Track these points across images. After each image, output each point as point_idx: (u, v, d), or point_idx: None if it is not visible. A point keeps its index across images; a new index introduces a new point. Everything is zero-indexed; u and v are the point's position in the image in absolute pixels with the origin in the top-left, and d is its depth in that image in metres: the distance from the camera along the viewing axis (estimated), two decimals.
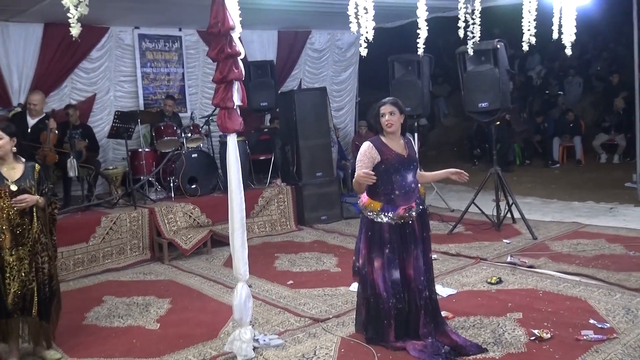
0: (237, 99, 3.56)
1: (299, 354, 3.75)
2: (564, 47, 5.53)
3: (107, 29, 7.65)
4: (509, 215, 6.87)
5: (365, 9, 3.90)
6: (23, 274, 3.67)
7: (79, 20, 2.94)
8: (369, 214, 3.76)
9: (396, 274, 3.73)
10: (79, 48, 7.40)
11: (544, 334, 3.76)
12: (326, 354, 3.73)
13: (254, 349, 3.77)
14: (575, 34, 5.53)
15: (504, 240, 6.23)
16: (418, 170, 3.97)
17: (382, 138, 3.81)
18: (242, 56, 3.55)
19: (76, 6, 2.85)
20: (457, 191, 9.65)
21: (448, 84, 15.37)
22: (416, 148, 7.58)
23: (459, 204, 8.32)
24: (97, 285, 5.63)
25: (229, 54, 3.45)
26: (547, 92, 13.55)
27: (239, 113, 3.65)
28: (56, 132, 6.44)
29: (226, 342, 3.84)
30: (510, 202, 6.68)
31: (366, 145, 3.78)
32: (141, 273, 5.99)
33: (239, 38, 3.57)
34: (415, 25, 4.69)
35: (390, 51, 8.02)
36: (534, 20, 5.31)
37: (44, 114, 6.43)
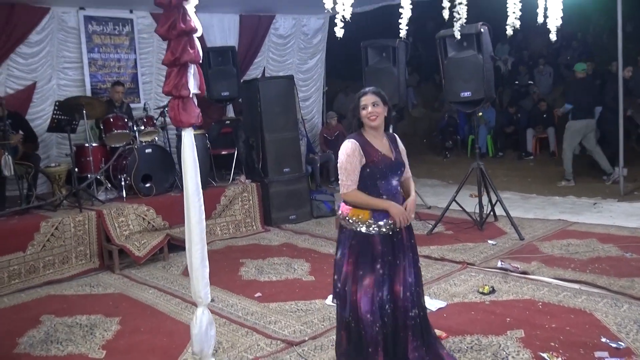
0: (193, 85, 2.91)
1: None
2: (533, 35, 5.11)
3: (48, 10, 6.87)
4: (490, 213, 6.42)
5: None
6: None
7: None
8: (355, 225, 3.15)
9: (386, 293, 3.15)
10: (15, 30, 6.64)
11: (555, 358, 3.27)
12: None
13: None
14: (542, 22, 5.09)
15: (489, 241, 5.77)
16: (407, 174, 3.38)
17: (365, 135, 3.19)
18: (198, 34, 2.90)
19: None
20: (431, 186, 9.22)
21: (417, 73, 14.95)
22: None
23: (435, 200, 7.87)
24: (36, 301, 4.91)
25: (182, 31, 2.79)
26: (516, 82, 13.26)
27: (195, 103, 2.99)
28: None
29: None
30: (494, 199, 6.22)
31: (350, 146, 3.10)
32: (88, 285, 5.29)
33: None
34: (388, 9, 4.16)
35: (361, 38, 7.44)
36: (520, 1, 4.85)
37: None
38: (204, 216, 3.08)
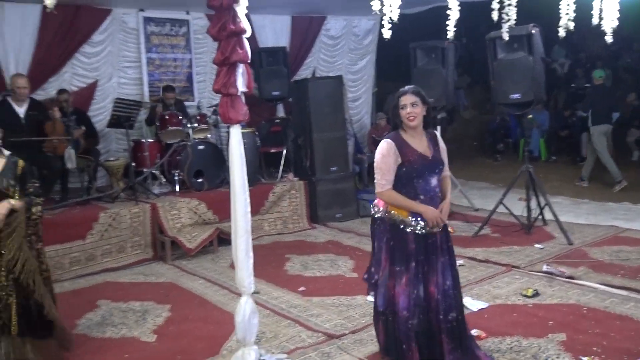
0: (241, 84, 3.06)
1: None
2: (591, 37, 5.01)
3: (110, 11, 7.19)
4: (539, 217, 6.33)
5: None
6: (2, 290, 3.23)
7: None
8: (395, 222, 3.22)
9: (420, 292, 3.20)
10: (79, 31, 6.98)
11: None
12: None
13: None
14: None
15: (537, 245, 5.69)
16: (446, 172, 3.41)
17: (402, 134, 3.25)
18: (247, 35, 3.04)
19: None
20: (479, 188, 9.12)
21: (468, 74, 14.76)
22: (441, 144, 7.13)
23: (483, 203, 7.79)
24: (93, 287, 5.19)
25: (232, 32, 2.94)
26: (573, 85, 12.90)
27: (243, 101, 3.14)
28: (60, 120, 6.02)
29: None
30: (543, 202, 6.12)
31: (386, 146, 3.18)
32: (141, 274, 5.55)
33: (250, 22, 3.06)
34: (437, 11, 4.19)
35: (410, 39, 7.46)
36: (574, 2, 4.77)
37: (29, 100, 5.95)
38: (249, 209, 3.22)
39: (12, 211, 3.27)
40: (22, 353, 3.35)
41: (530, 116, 7.04)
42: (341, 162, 7.32)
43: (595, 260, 5.13)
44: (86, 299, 4.83)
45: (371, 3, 3.70)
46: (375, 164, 3.24)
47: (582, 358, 3.31)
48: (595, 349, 3.44)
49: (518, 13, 4.61)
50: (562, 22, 4.85)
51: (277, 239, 6.60)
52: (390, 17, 3.58)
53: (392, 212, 3.22)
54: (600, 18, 5.07)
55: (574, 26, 4.84)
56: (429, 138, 3.31)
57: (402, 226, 3.17)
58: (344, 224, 7.12)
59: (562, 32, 4.88)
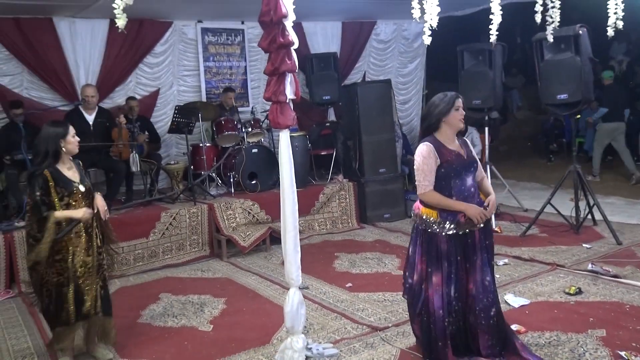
0: (290, 92, 3.33)
1: None
2: None
3: (171, 24, 7.64)
4: (589, 217, 6.31)
5: None
6: (94, 275, 3.67)
7: (124, 10, 2.77)
8: (424, 224, 3.40)
9: (454, 291, 3.36)
10: (143, 43, 7.44)
11: (632, 357, 3.32)
12: None
13: (307, 358, 3.55)
14: None
15: (584, 245, 5.71)
16: (482, 173, 3.57)
17: (438, 137, 3.42)
18: (295, 46, 3.31)
19: None
20: (530, 189, 9.08)
21: (523, 74, 14.58)
22: (487, 142, 7.20)
23: (533, 204, 7.76)
24: (156, 282, 5.59)
25: (281, 44, 3.21)
26: (631, 82, 12.56)
27: (292, 107, 3.41)
28: (125, 127, 6.50)
29: (278, 350, 3.65)
30: (592, 202, 6.11)
31: (426, 148, 3.34)
32: (199, 270, 5.92)
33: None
34: (486, 12, 4.30)
35: (460, 41, 7.56)
36: (622, 2, 4.79)
37: (97, 108, 6.44)
38: (296, 207, 3.48)
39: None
40: (106, 330, 3.82)
41: (578, 116, 7.00)
42: (389, 163, 7.50)
43: None
44: (149, 292, 5.23)
45: (412, 12, 3.92)
46: (416, 166, 3.41)
47: (620, 353, 3.38)
48: (634, 344, 3.51)
49: (572, 11, 4.66)
50: (610, 22, 4.89)
51: (327, 238, 6.85)
52: (430, 25, 3.76)
53: (424, 215, 3.39)
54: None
55: (634, 23, 4.82)
56: (461, 141, 3.49)
57: (432, 228, 3.34)
58: (392, 224, 7.29)
59: (610, 32, 4.91)
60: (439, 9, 3.74)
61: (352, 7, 8.05)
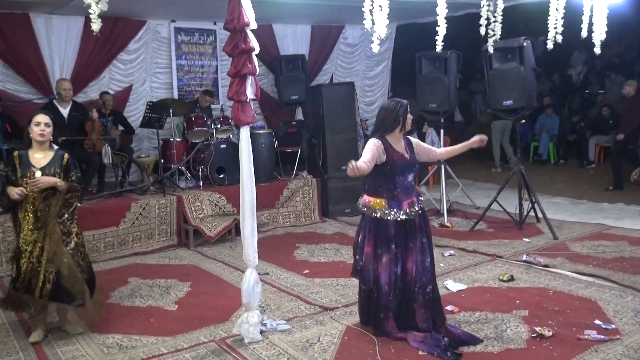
0: (250, 92, 3.72)
1: (304, 339, 3.90)
2: (607, 45, 5.46)
3: (145, 22, 7.94)
4: (533, 214, 6.84)
5: (380, 6, 3.98)
6: (34, 256, 3.92)
7: (99, 16, 3.11)
8: (374, 212, 3.83)
9: (400, 269, 3.81)
10: (117, 40, 7.73)
11: (546, 332, 3.79)
12: (329, 340, 3.87)
13: (262, 332, 3.94)
14: (616, 32, 5.42)
15: (524, 239, 6.22)
16: (441, 149, 4.21)
17: (387, 138, 3.86)
18: (256, 52, 3.69)
19: (97, 2, 3.03)
20: (485, 189, 9.59)
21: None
22: (442, 143, 7.68)
23: (486, 202, 8.27)
24: (124, 267, 5.91)
25: (243, 50, 3.60)
26: (587, 91, 13.25)
27: (252, 107, 3.80)
28: (98, 120, 6.78)
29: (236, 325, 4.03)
30: (533, 200, 6.64)
31: (376, 142, 3.78)
32: (167, 257, 6.25)
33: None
34: (449, 21, 4.73)
35: (424, 47, 8.02)
36: (562, 18, 5.26)
37: (71, 102, 6.71)
38: (254, 196, 3.89)
39: (55, 191, 3.97)
40: (46, 314, 4.11)
41: (523, 121, 7.54)
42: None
43: (573, 253, 5.64)
44: (118, 276, 5.55)
45: (363, 22, 4.33)
46: (365, 148, 3.84)
47: (536, 328, 3.86)
48: (550, 322, 3.99)
49: (532, 21, 5.04)
50: (550, 36, 5.40)
51: (290, 230, 7.25)
52: (378, 35, 4.17)
53: (373, 205, 3.83)
54: (590, 31, 5.60)
55: (589, 35, 5.32)
56: (406, 142, 3.94)
57: (380, 215, 3.78)
58: (353, 218, 7.69)
59: (550, 45, 5.42)
60: (387, 21, 4.16)
61: (321, 11, 8.44)
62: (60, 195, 3.97)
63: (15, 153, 3.97)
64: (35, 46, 7.17)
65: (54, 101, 6.63)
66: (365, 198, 3.92)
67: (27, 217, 3.92)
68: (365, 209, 3.89)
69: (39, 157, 3.98)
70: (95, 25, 3.17)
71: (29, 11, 7.02)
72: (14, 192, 3.86)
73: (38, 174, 3.92)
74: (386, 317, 3.83)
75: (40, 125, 3.98)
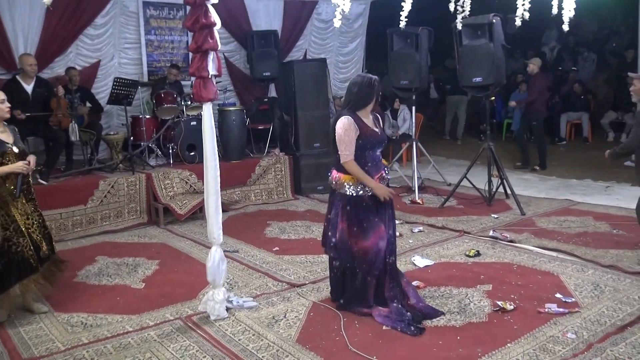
0: (212, 68, 3.66)
1: (270, 315, 3.92)
2: (580, 22, 5.50)
3: None
4: (502, 190, 6.92)
5: None
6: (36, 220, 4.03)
7: None
8: (346, 188, 3.82)
9: (384, 242, 3.82)
10: (83, 14, 7.53)
11: (508, 306, 3.87)
12: (295, 316, 3.89)
13: (228, 309, 3.95)
14: (590, 9, 5.47)
15: (492, 215, 6.30)
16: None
17: (358, 114, 3.85)
18: (218, 27, 3.63)
19: None
20: (458, 166, 9.66)
21: None
22: (414, 121, 7.70)
23: (458, 179, 8.34)
24: (93, 246, 5.85)
25: (204, 25, 3.53)
26: (559, 68, 13.36)
27: (214, 82, 3.74)
28: (64, 97, 6.63)
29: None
30: (502, 177, 6.71)
31: (347, 121, 3.73)
32: (136, 236, 6.21)
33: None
34: None
35: (398, 23, 7.94)
36: None
37: (35, 78, 6.53)
38: (218, 174, 3.85)
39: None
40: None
41: (492, 98, 7.58)
42: (324, 138, 7.88)
43: (539, 228, 5.73)
44: (86, 255, 5.50)
45: None
46: (338, 138, 3.81)
47: (498, 302, 3.93)
48: (512, 296, 4.07)
49: None
50: (518, 13, 5.40)
51: (262, 207, 7.24)
52: (342, 10, 4.14)
53: (345, 182, 3.81)
54: (560, 8, 5.62)
55: (559, 12, 5.33)
56: (373, 116, 3.94)
57: (353, 191, 3.78)
58: (325, 195, 7.66)
59: (518, 22, 5.43)
60: None
61: None
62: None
63: None
64: None
65: (18, 77, 6.45)
66: (335, 174, 3.90)
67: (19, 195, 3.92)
68: (336, 184, 3.88)
69: (3, 134, 3.91)
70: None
71: None
72: (19, 165, 3.85)
73: (15, 149, 3.92)
74: (369, 289, 3.85)
75: (5, 102, 3.90)
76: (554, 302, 3.91)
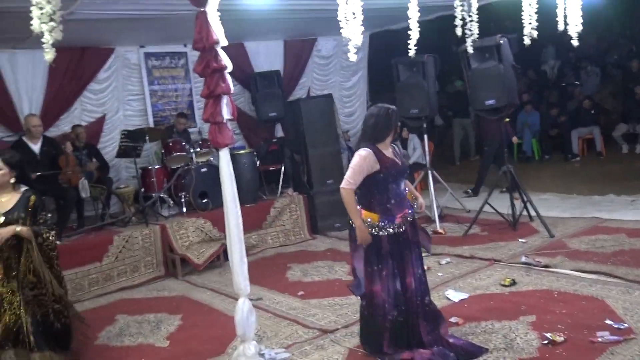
0: (226, 113, 3.53)
1: None
2: (579, 36, 5.45)
3: (113, 50, 7.71)
4: (525, 213, 6.71)
5: (353, 13, 3.84)
6: (15, 307, 3.67)
7: (53, 45, 2.92)
8: (371, 225, 3.65)
9: (398, 285, 3.64)
10: (86, 70, 7.49)
11: (557, 337, 3.64)
12: None
13: None
14: (588, 23, 5.43)
15: (520, 240, 6.08)
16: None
17: (378, 146, 3.70)
18: (229, 70, 3.52)
19: (50, 31, 2.84)
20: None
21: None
22: (426, 148, 7.56)
23: (476, 204, 8.15)
24: (111, 304, 5.65)
25: (215, 69, 3.42)
26: (563, 84, 13.28)
27: (229, 127, 3.61)
28: (72, 154, 6.54)
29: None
30: (525, 199, 6.52)
31: (365, 153, 3.60)
32: (155, 289, 6.01)
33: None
34: (423, 25, 4.62)
35: (399, 53, 7.91)
36: (536, 13, 5.21)
37: (42, 137, 6.47)
38: (240, 221, 3.68)
39: (19, 238, 3.73)
40: None
41: (507, 119, 7.46)
42: (336, 174, 7.71)
43: (572, 250, 5.51)
44: (105, 314, 5.29)
45: (339, 32, 4.19)
46: (351, 164, 3.67)
47: (546, 334, 3.69)
48: (560, 326, 3.83)
49: (505, 20, 4.98)
50: (526, 31, 5.33)
51: (280, 250, 7.04)
52: (355, 43, 4.03)
53: (365, 218, 3.65)
54: (566, 24, 5.54)
55: (565, 28, 5.29)
56: (392, 149, 3.79)
57: (373, 230, 3.60)
58: (343, 232, 7.48)
59: (527, 41, 5.35)
60: (362, 29, 4.02)
61: (293, 25, 8.31)
62: (31, 241, 3.73)
63: None
64: (0, 83, 6.91)
65: (24, 138, 6.38)
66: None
67: None
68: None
69: (4, 201, 3.75)
70: (49, 56, 2.98)
71: None
72: None
73: (1, 219, 3.68)
74: (381, 336, 3.64)
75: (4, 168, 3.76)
76: (605, 330, 3.68)
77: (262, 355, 3.80)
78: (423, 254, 3.85)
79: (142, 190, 7.00)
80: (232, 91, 3.55)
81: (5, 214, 3.71)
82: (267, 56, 9.18)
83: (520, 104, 11.48)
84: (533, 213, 6.57)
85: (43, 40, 2.90)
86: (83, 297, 5.84)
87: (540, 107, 12.34)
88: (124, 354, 4.34)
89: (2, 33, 6.15)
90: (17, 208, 3.76)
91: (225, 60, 3.47)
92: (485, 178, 8.99)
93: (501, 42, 6.10)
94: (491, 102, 6.23)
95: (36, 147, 6.35)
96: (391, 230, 3.60)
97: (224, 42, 3.46)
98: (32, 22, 2.84)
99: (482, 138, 9.14)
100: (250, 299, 3.87)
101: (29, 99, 7.13)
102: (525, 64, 13.86)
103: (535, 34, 5.26)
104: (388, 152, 3.72)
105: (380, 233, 3.60)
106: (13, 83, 7.01)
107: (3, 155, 3.84)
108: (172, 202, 7.36)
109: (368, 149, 3.65)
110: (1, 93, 6.91)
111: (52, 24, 2.86)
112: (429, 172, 7.43)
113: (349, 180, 3.59)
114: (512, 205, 6.59)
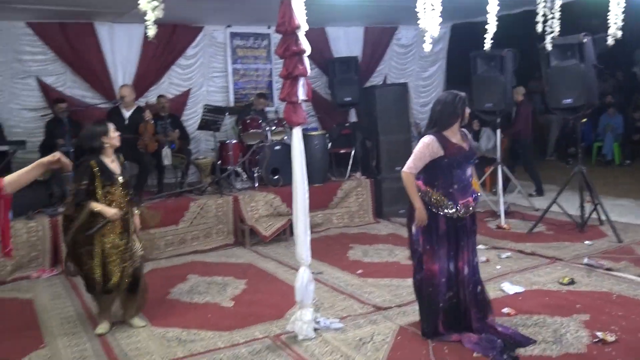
0: (302, 94, 3.78)
1: (357, 338, 3.92)
2: None
3: (202, 28, 8.18)
4: (595, 216, 6.59)
5: (432, 5, 3.96)
6: (127, 257, 4.18)
7: (155, 22, 3.23)
8: (426, 201, 3.77)
9: (452, 266, 3.78)
10: (176, 46, 7.99)
11: (609, 337, 3.66)
12: (382, 339, 3.87)
13: (315, 330, 3.98)
14: None
15: (586, 242, 6.00)
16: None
17: (444, 132, 3.81)
18: (307, 53, 3.75)
19: (153, 9, 3.14)
20: (546, 190, 9.29)
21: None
22: (498, 144, 7.52)
23: (545, 204, 8.03)
24: (184, 265, 6.09)
25: (294, 52, 3.66)
26: None
27: (303, 108, 3.85)
28: (152, 122, 7.01)
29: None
30: (596, 202, 6.40)
31: (428, 140, 3.73)
32: (224, 256, 6.41)
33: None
34: (505, 18, 4.66)
35: (480, 46, 7.87)
36: (623, 13, 5.10)
37: (135, 105, 6.97)
38: (307, 196, 3.94)
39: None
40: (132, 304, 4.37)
41: (584, 120, 7.28)
42: (405, 162, 7.82)
43: (639, 256, 5.39)
44: (178, 273, 5.73)
45: (417, 22, 4.32)
46: (415, 149, 3.82)
47: (597, 333, 3.72)
48: (613, 327, 3.84)
49: (594, 15, 4.87)
50: (610, 32, 5.23)
51: (344, 231, 7.28)
52: (431, 34, 4.15)
53: (428, 192, 3.78)
54: None
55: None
56: (462, 133, 3.88)
57: (432, 208, 3.74)
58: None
59: (610, 41, 5.24)
60: (440, 20, 4.14)
61: (375, 13, 8.43)
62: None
63: (93, 162, 4.05)
64: (99, 54, 7.51)
65: (119, 105, 6.92)
66: (420, 184, 3.85)
67: (114, 224, 4.11)
68: (421, 194, 3.80)
69: (112, 164, 4.19)
70: (151, 32, 3.28)
71: (93, 20, 7.36)
72: (112, 213, 4.04)
73: (121, 179, 4.17)
74: (438, 318, 3.80)
75: (115, 132, 4.20)
76: None
77: (317, 322, 4.06)
78: (483, 246, 3.95)
79: (219, 162, 7.42)
80: (308, 73, 3.77)
81: (122, 175, 4.20)
82: (347, 42, 9.36)
83: (603, 106, 11.13)
84: (604, 217, 6.44)
85: (146, 18, 3.20)
86: (160, 256, 6.33)
87: (627, 111, 11.85)
88: (192, 309, 4.72)
89: (104, 7, 6.69)
90: (123, 169, 4.26)
91: (305, 44, 3.70)
92: (539, 175, 8.83)
93: (584, 40, 5.98)
94: (568, 101, 6.14)
95: (128, 114, 6.88)
96: (450, 211, 3.72)
97: (305, 27, 3.69)
98: (139, 0, 3.13)
99: (515, 142, 8.93)
100: (312, 272, 4.12)
101: (123, 70, 7.71)
102: (615, 66, 13.30)
103: (619, 34, 5.14)
104: (456, 137, 3.81)
105: (440, 212, 3.73)
106: (110, 54, 7.61)
107: (112, 123, 4.29)
108: (245, 175, 7.75)
109: (432, 136, 3.76)
110: (99, 63, 7.52)
111: (155, 2, 3.14)
112: (499, 167, 7.40)
113: (410, 165, 3.76)
114: (582, 207, 6.49)
